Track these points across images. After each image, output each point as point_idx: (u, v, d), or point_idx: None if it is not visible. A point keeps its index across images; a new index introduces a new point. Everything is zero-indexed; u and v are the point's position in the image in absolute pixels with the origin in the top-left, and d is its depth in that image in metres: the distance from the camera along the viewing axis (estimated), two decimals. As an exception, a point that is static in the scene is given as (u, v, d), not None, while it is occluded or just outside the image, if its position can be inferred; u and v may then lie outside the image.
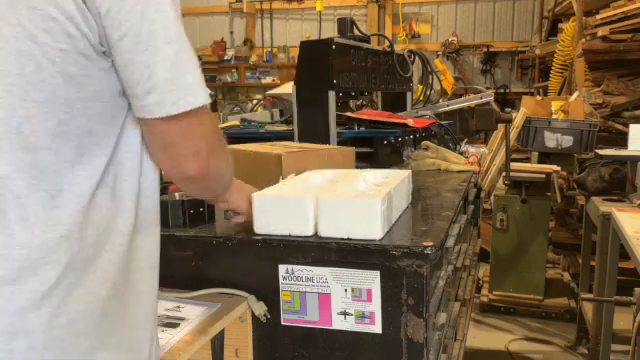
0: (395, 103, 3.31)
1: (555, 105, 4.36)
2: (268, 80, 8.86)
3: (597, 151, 3.21)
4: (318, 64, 2.37)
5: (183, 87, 0.84)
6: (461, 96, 4.01)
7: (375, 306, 1.30)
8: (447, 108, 3.01)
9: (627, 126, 3.26)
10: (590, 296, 3.15)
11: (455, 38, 8.11)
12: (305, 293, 1.35)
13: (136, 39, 0.80)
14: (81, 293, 0.82)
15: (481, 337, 3.69)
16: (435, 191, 1.98)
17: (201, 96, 0.86)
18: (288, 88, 3.06)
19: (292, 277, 1.35)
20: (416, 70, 3.53)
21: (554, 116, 4.23)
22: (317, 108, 2.37)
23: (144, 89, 0.82)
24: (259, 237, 1.35)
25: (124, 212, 0.88)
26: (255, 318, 1.37)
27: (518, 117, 3.97)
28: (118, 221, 0.87)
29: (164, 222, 1.42)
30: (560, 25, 5.78)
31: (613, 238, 2.60)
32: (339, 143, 2.40)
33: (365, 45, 2.74)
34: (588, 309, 3.24)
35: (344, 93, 2.54)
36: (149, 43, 0.81)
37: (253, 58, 8.98)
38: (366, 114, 2.70)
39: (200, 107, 0.86)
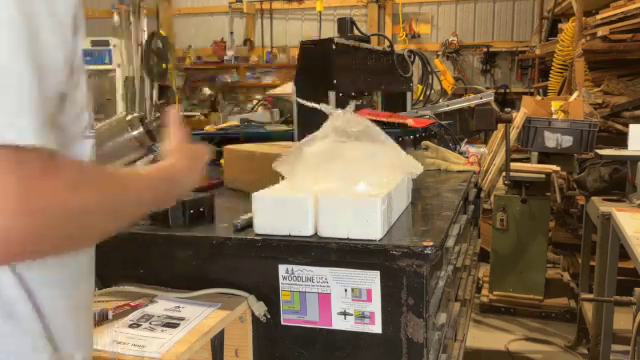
0: (395, 103, 3.31)
1: (555, 105, 4.36)
2: (268, 80, 8.85)
3: (597, 151, 3.21)
4: (318, 64, 2.37)
5: None
6: (461, 96, 4.01)
7: (375, 306, 1.30)
8: (447, 108, 3.00)
9: (627, 126, 3.26)
10: (590, 296, 3.15)
11: (455, 38, 8.11)
12: (305, 293, 1.35)
13: None
14: None
15: (481, 337, 3.69)
16: (435, 191, 1.98)
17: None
18: (288, 88, 3.07)
19: (292, 277, 1.35)
20: (416, 70, 3.52)
21: (554, 116, 4.23)
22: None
23: None
24: (259, 237, 1.34)
25: None
26: (255, 318, 1.36)
27: (518, 117, 3.97)
28: None
29: (164, 222, 1.44)
30: (560, 25, 5.78)
31: (613, 238, 2.60)
32: (339, 143, 2.40)
33: (365, 45, 2.74)
34: (588, 309, 3.24)
35: (344, 93, 2.54)
36: None
37: (253, 58, 8.97)
38: (366, 114, 2.70)
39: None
